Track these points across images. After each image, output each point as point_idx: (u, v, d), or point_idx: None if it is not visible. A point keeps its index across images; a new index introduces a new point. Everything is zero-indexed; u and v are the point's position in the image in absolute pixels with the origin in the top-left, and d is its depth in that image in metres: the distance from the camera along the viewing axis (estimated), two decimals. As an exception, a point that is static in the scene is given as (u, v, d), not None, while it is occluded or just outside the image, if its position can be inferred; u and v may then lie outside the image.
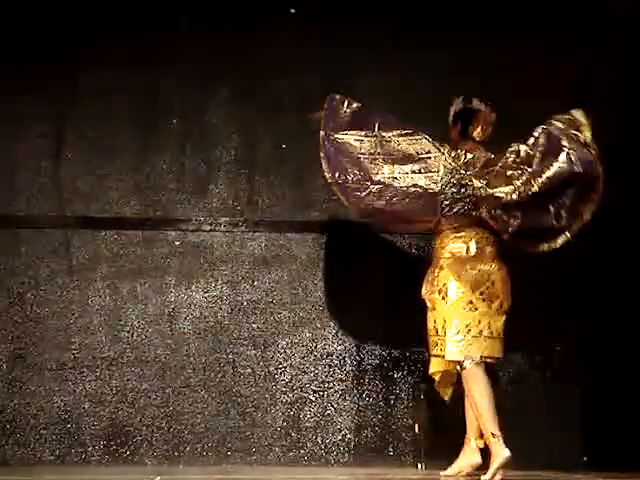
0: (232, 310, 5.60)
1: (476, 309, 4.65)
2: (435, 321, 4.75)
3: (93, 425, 5.42)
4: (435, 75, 5.68)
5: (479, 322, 4.64)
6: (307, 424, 5.49)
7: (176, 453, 5.40)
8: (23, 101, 5.62)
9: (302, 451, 5.47)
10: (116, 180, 5.67)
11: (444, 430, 5.35)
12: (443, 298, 4.71)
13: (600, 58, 5.77)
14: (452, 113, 4.94)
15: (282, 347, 5.57)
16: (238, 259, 5.66)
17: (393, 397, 5.58)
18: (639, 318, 5.62)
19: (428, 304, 4.80)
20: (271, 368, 5.55)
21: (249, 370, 5.54)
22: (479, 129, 4.87)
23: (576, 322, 5.61)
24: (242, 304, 5.61)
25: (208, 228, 5.67)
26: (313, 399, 5.54)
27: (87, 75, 5.65)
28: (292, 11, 5.79)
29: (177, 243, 5.64)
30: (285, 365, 5.55)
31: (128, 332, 5.54)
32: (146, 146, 5.69)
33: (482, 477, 4.55)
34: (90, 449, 5.40)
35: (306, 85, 5.64)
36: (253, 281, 5.64)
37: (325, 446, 5.50)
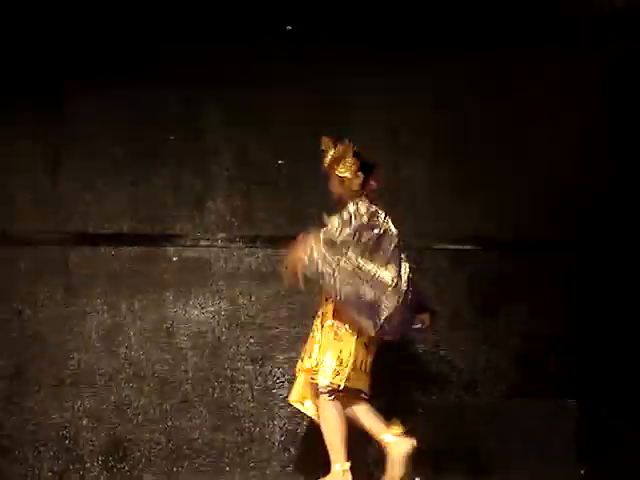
0: (230, 325, 5.61)
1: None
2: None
3: (91, 441, 5.43)
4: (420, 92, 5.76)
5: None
6: (305, 439, 5.50)
7: (175, 468, 5.41)
8: (20, 118, 5.65)
9: (300, 465, 5.48)
10: (114, 196, 5.70)
11: (446, 446, 5.36)
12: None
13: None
14: (354, 163, 4.84)
15: (280, 362, 5.59)
16: (236, 274, 5.68)
17: (393, 411, 5.58)
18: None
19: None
20: (269, 383, 5.57)
21: (247, 385, 5.56)
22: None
23: (573, 333, 5.66)
24: (240, 319, 5.63)
25: (205, 244, 5.69)
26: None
27: (85, 91, 5.68)
28: (288, 28, 5.82)
29: (175, 259, 5.66)
30: (283, 380, 5.57)
31: (126, 348, 5.55)
32: (144, 163, 5.72)
33: None
34: (88, 465, 5.42)
35: (301, 101, 5.69)
36: (251, 296, 5.66)
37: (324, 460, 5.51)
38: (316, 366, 4.74)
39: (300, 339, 5.55)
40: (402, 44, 5.78)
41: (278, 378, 5.57)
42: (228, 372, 5.55)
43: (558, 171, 5.82)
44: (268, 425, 5.51)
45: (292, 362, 5.53)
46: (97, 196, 5.69)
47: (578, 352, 5.68)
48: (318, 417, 4.81)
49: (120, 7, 5.70)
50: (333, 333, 4.73)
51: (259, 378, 5.56)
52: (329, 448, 4.74)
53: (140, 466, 5.36)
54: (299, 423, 5.52)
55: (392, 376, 5.59)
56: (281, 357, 5.59)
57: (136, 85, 5.67)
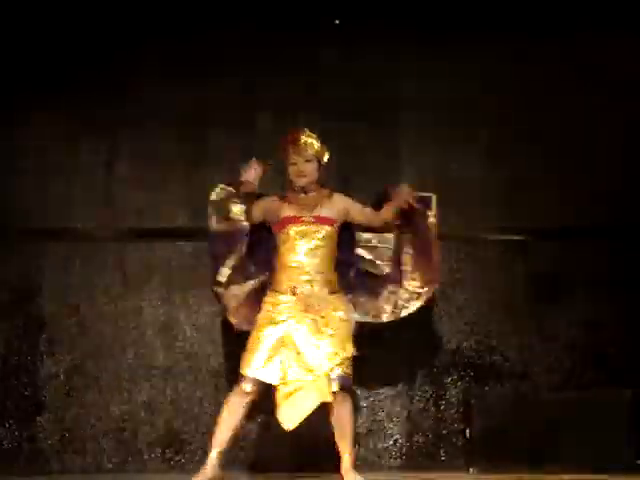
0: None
1: None
2: None
3: (149, 434, 5.52)
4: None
5: None
6: (358, 430, 5.51)
7: (231, 460, 5.45)
8: (77, 117, 5.76)
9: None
10: (169, 192, 5.77)
11: (495, 435, 5.35)
12: None
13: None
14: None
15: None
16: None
17: (443, 402, 5.60)
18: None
19: None
20: (322, 375, 5.58)
21: (301, 377, 5.58)
22: None
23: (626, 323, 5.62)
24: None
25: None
26: (364, 405, 5.59)
27: (137, 90, 5.78)
28: (336, 22, 5.85)
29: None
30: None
31: (181, 341, 5.63)
32: (196, 159, 5.79)
33: None
34: (147, 457, 5.51)
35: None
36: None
37: (377, 451, 5.55)
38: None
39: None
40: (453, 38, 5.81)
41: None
42: (282, 364, 5.58)
43: (611, 159, 5.78)
44: (321, 416, 5.51)
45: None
46: (152, 192, 5.77)
47: (634, 342, 5.62)
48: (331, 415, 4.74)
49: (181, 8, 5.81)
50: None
51: (313, 370, 5.58)
52: (349, 440, 4.73)
53: (197, 458, 5.41)
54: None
55: (444, 367, 5.62)
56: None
57: (186, 84, 5.75)
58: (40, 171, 5.75)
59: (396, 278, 4.97)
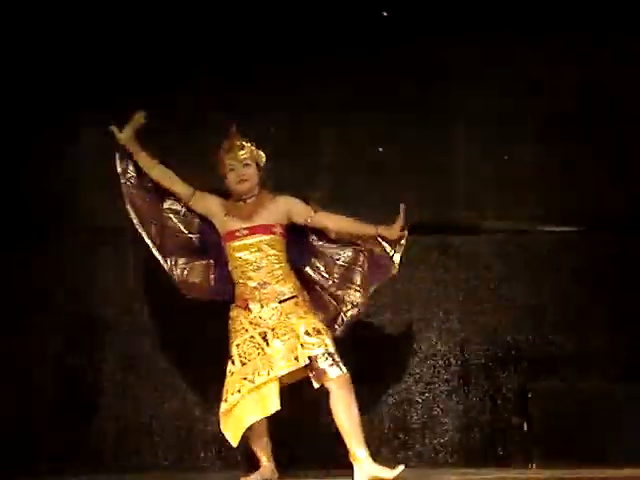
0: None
1: None
2: None
3: (204, 431, 5.52)
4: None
5: None
6: (414, 425, 5.50)
7: (285, 459, 5.42)
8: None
9: (410, 452, 5.49)
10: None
11: (553, 428, 5.28)
12: None
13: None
14: None
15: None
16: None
17: (500, 396, 5.55)
18: None
19: None
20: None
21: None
22: None
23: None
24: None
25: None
26: (419, 400, 5.55)
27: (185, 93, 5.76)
28: (384, 14, 5.81)
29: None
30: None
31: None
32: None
33: None
34: (202, 455, 5.52)
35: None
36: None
37: (433, 447, 5.50)
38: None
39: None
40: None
41: (385, 365, 5.58)
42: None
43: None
44: (377, 412, 5.50)
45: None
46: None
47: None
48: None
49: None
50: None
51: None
52: (354, 432, 4.54)
53: (251, 456, 5.40)
54: (407, 410, 5.52)
55: (500, 361, 5.57)
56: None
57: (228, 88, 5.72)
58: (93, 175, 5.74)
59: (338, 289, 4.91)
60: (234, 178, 4.76)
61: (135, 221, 4.81)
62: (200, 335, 5.52)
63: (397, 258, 4.81)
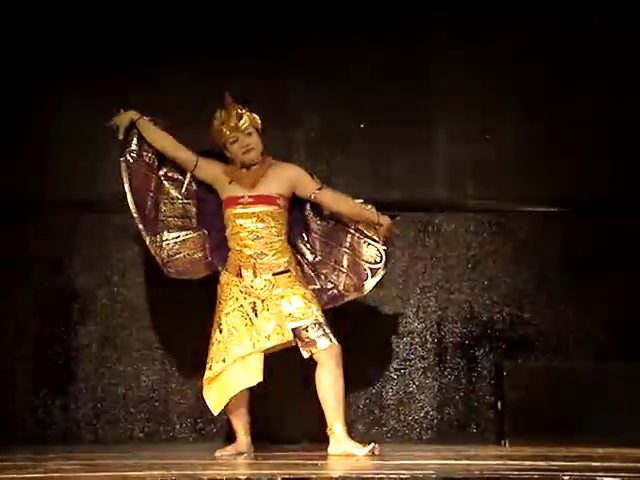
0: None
1: None
2: None
3: (180, 404, 5.54)
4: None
5: None
6: (389, 402, 5.52)
7: (263, 431, 5.43)
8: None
9: (384, 428, 5.52)
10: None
11: (527, 407, 5.31)
12: None
13: None
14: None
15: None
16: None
17: (475, 374, 5.58)
18: None
19: None
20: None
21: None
22: None
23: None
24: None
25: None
26: (395, 377, 5.57)
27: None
28: None
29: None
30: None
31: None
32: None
33: None
34: (178, 427, 5.53)
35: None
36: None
37: (407, 423, 5.53)
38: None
39: (383, 302, 5.59)
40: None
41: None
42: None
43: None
44: (353, 388, 5.50)
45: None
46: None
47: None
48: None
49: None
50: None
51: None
52: (336, 406, 4.56)
53: (228, 429, 5.41)
54: (383, 386, 5.55)
55: (476, 339, 5.59)
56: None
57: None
58: (72, 145, 5.72)
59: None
60: (239, 149, 4.72)
61: (129, 199, 4.69)
62: (178, 307, 5.53)
63: (382, 250, 4.86)
